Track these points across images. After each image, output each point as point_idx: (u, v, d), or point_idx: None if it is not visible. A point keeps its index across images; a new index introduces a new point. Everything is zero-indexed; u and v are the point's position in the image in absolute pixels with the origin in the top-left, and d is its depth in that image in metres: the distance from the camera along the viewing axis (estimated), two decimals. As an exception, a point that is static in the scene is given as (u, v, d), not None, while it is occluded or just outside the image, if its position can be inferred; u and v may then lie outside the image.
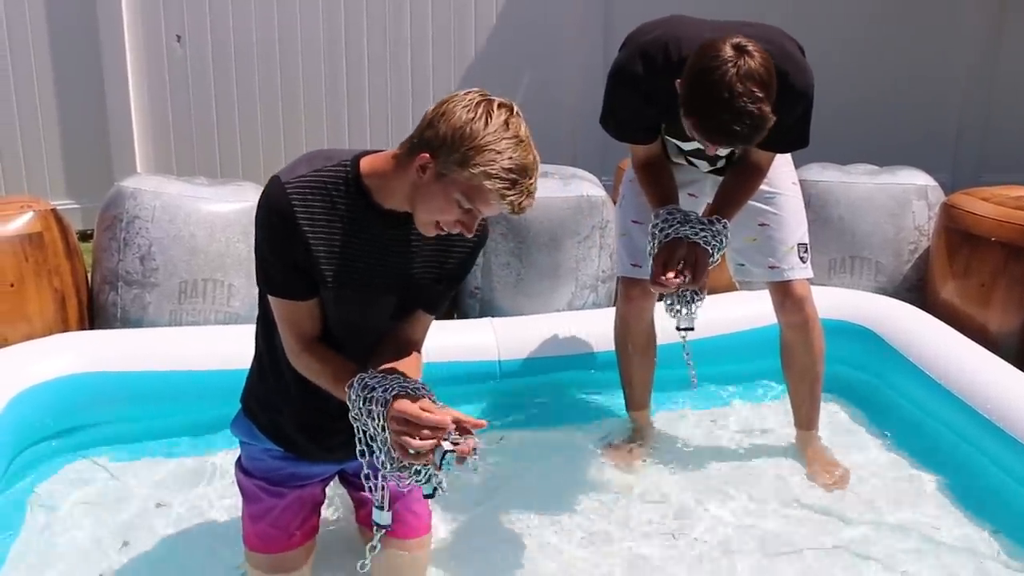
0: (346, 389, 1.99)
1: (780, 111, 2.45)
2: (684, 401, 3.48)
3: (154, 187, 3.71)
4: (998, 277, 3.70)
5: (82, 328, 3.63)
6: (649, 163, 2.90)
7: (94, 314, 3.71)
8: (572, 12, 5.58)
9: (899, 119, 5.88)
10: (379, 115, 5.53)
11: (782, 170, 3.02)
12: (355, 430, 2.03)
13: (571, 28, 5.60)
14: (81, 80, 5.15)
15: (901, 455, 3.22)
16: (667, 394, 3.39)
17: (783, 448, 3.23)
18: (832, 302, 3.54)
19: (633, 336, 3.16)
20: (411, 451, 1.88)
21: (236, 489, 2.42)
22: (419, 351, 2.19)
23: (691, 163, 2.97)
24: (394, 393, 1.93)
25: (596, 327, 3.49)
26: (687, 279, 2.68)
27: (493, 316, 3.83)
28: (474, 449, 1.89)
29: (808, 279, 3.04)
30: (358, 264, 2.06)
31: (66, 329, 3.55)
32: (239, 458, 2.40)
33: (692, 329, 2.86)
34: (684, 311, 2.84)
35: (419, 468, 1.96)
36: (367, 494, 2.13)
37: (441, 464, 1.88)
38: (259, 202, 2.03)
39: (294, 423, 2.25)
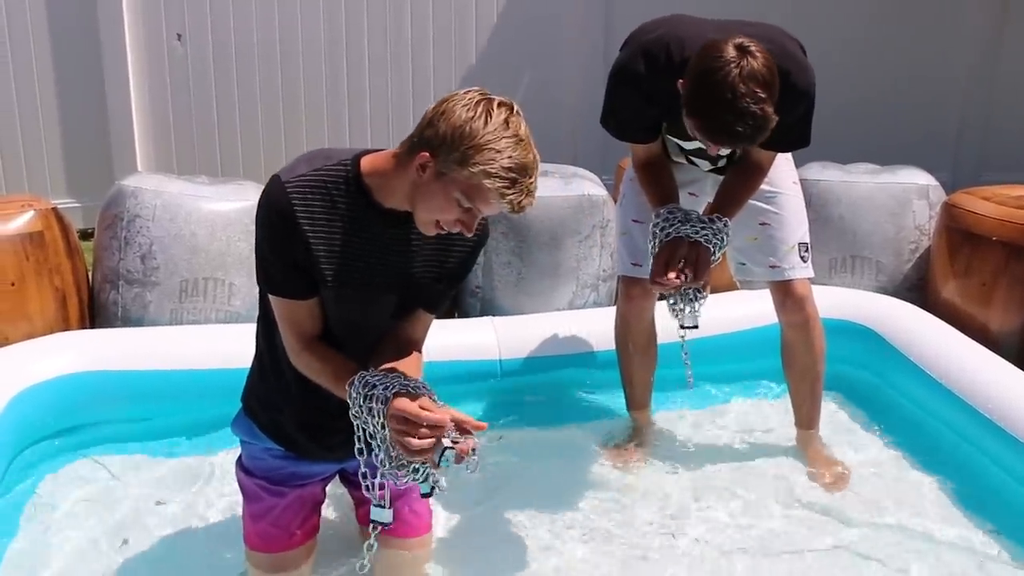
0: (347, 387, 1.99)
1: (782, 110, 2.45)
2: (685, 401, 3.47)
3: (155, 186, 3.71)
4: (999, 276, 3.70)
5: (83, 327, 3.63)
6: (649, 162, 2.90)
7: (95, 313, 3.71)
8: (573, 12, 5.58)
9: (900, 118, 5.88)
10: (380, 115, 5.53)
11: (783, 169, 3.02)
12: (355, 428, 2.03)
13: (572, 28, 5.60)
14: (82, 79, 5.16)
15: (902, 454, 3.22)
16: (667, 394, 3.39)
17: (784, 448, 3.22)
18: (833, 301, 3.53)
19: (634, 335, 3.16)
20: (411, 449, 1.89)
21: (237, 488, 2.42)
22: (420, 350, 2.19)
23: (692, 162, 2.97)
24: (394, 391, 1.93)
25: (597, 326, 3.49)
26: (688, 278, 2.69)
27: (494, 315, 3.83)
28: (473, 449, 1.89)
29: (809, 278, 3.04)
30: (358, 263, 2.06)
31: (67, 328, 3.55)
32: (240, 457, 2.40)
33: (696, 327, 2.86)
34: (687, 310, 2.84)
35: (417, 466, 1.96)
36: (368, 493, 2.13)
37: (440, 462, 1.88)
38: (259, 201, 2.03)
39: (295, 422, 2.25)
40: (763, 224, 3.01)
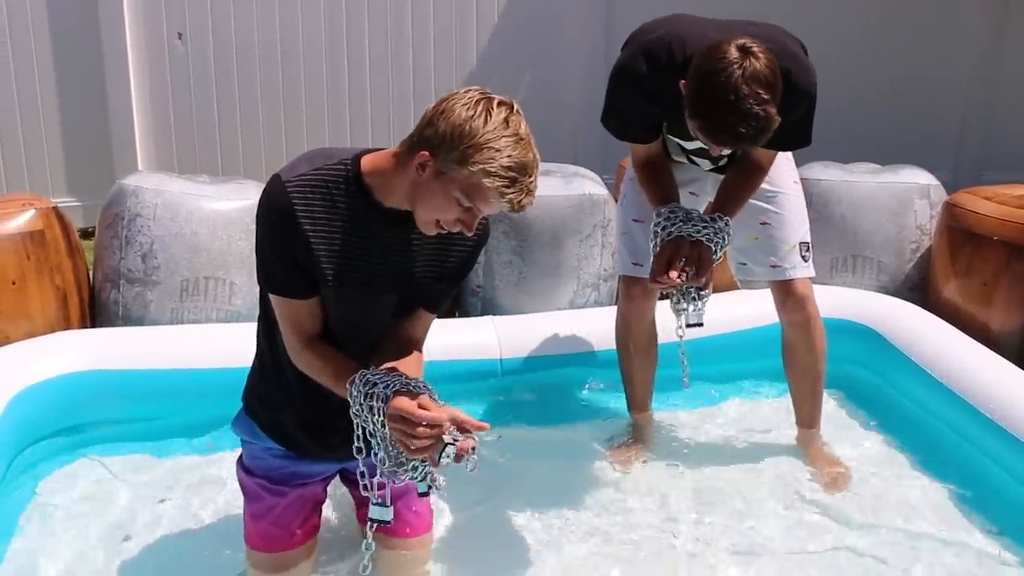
0: (347, 385, 1.99)
1: (783, 110, 2.45)
2: (685, 401, 3.47)
3: (156, 185, 3.72)
4: (1000, 276, 3.70)
5: (83, 326, 3.63)
6: (650, 162, 2.90)
7: (95, 312, 3.72)
8: (574, 11, 5.57)
9: (901, 118, 5.87)
10: (381, 115, 5.53)
11: (784, 169, 3.02)
12: (355, 427, 2.03)
13: (573, 27, 5.59)
14: (83, 78, 5.16)
15: (903, 454, 3.21)
16: (668, 394, 3.39)
17: (784, 447, 3.22)
18: (834, 301, 3.53)
19: (634, 335, 3.16)
20: (412, 446, 1.89)
21: (237, 487, 2.42)
22: (420, 350, 2.19)
23: (693, 162, 2.97)
24: (395, 389, 1.93)
25: (598, 326, 3.48)
26: (689, 277, 2.68)
27: (495, 314, 3.83)
28: (473, 448, 1.89)
29: (810, 278, 3.04)
30: (359, 263, 2.06)
31: (68, 327, 3.55)
32: (240, 456, 2.40)
33: (701, 325, 2.86)
34: (691, 308, 2.84)
35: (417, 464, 1.96)
36: (366, 492, 2.13)
37: (440, 459, 1.88)
38: (260, 200, 2.03)
39: (295, 421, 2.25)
40: (764, 224, 3.01)
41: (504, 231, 3.85)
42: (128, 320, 3.63)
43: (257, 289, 2.16)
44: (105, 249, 3.67)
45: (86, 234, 4.37)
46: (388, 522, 2.14)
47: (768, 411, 3.46)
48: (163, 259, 3.62)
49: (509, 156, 1.84)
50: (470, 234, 1.99)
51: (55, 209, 3.63)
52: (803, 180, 3.24)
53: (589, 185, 3.98)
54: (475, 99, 1.87)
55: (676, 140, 2.89)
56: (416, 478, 1.99)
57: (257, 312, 2.24)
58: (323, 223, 2.00)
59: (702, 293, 2.83)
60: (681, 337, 2.91)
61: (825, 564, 2.67)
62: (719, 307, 3.10)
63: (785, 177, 3.03)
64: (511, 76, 5.51)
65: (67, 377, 3.10)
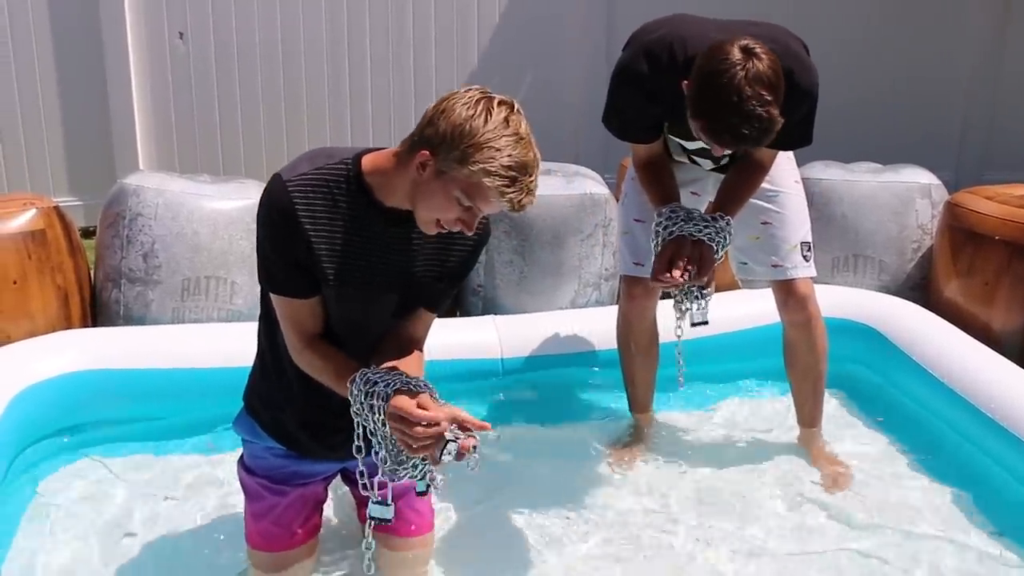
0: (348, 384, 1.99)
1: (785, 110, 2.45)
2: (686, 401, 3.47)
3: (157, 184, 3.72)
4: (1002, 276, 3.70)
5: (85, 325, 3.63)
6: (650, 162, 2.90)
7: (97, 311, 3.72)
8: (575, 11, 5.57)
9: (903, 118, 5.87)
10: (382, 115, 5.53)
11: (785, 168, 3.02)
12: (355, 425, 2.03)
13: (574, 27, 5.59)
14: (84, 78, 5.16)
15: (904, 454, 3.21)
16: (669, 393, 3.38)
17: (786, 446, 3.22)
18: (835, 300, 3.53)
19: (636, 335, 3.16)
20: (412, 446, 1.89)
21: (238, 487, 2.42)
22: (421, 349, 2.19)
23: (694, 161, 2.97)
24: (395, 388, 1.93)
25: (599, 325, 3.48)
26: (691, 276, 2.68)
27: (496, 314, 3.83)
28: (473, 448, 1.89)
29: (811, 277, 3.03)
30: (359, 262, 2.06)
31: (69, 326, 3.55)
32: (241, 456, 2.40)
33: (707, 323, 2.85)
34: (694, 307, 2.84)
35: (417, 462, 1.96)
36: (365, 491, 2.13)
37: (441, 458, 1.88)
38: (261, 200, 2.03)
39: (296, 421, 2.25)
40: (765, 223, 3.00)
41: (505, 230, 3.85)
42: (129, 319, 3.63)
43: (258, 288, 2.16)
44: (106, 248, 3.68)
45: (87, 233, 4.37)
46: (389, 520, 2.15)
47: (769, 411, 3.46)
48: (164, 258, 3.62)
49: (509, 155, 1.84)
50: (470, 233, 1.98)
51: (56, 208, 3.63)
52: (804, 179, 3.24)
53: (590, 184, 3.98)
54: (475, 98, 1.87)
55: (677, 140, 2.89)
56: (416, 476, 1.99)
57: (258, 312, 2.24)
58: (324, 222, 2.00)
59: (704, 292, 2.83)
60: (679, 337, 2.91)
61: (826, 564, 2.67)
62: (720, 307, 3.10)
63: (786, 176, 3.03)
64: (512, 76, 5.51)
65: (68, 376, 3.10)
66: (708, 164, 2.96)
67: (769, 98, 2.38)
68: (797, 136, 2.75)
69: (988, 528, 2.80)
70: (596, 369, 3.52)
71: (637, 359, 3.19)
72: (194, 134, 5.39)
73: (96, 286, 3.73)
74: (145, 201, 3.65)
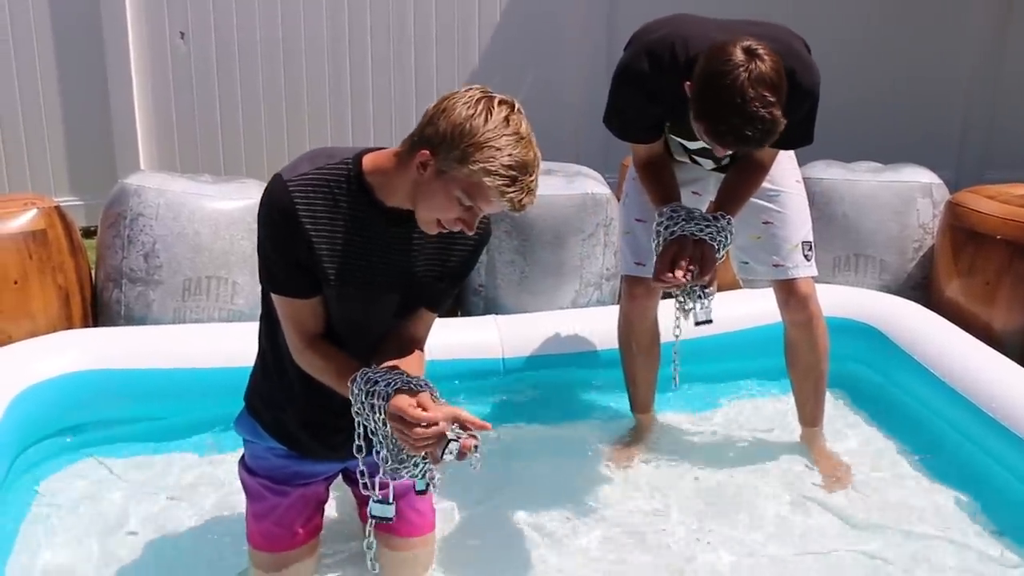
0: (349, 383, 1.99)
1: (787, 109, 2.44)
2: (687, 400, 3.47)
3: (158, 184, 3.72)
4: (1003, 275, 3.70)
5: (86, 325, 3.63)
6: (651, 162, 2.90)
7: (98, 311, 3.72)
8: (576, 11, 5.57)
9: (904, 117, 5.87)
10: (383, 115, 5.53)
11: (786, 168, 3.02)
12: (356, 425, 2.03)
13: (575, 27, 5.59)
14: (85, 78, 5.16)
15: (905, 453, 3.21)
16: (670, 394, 3.38)
17: (787, 446, 3.22)
18: (836, 300, 3.53)
19: (637, 335, 3.16)
20: (412, 446, 1.89)
21: (239, 487, 2.42)
22: (422, 349, 2.19)
23: (695, 161, 2.97)
24: (396, 387, 1.93)
25: (600, 325, 3.48)
26: (693, 275, 2.68)
27: (497, 314, 3.83)
28: (475, 447, 1.89)
29: (812, 277, 3.03)
30: (360, 262, 2.06)
31: (70, 326, 3.55)
32: (243, 456, 2.40)
33: (711, 322, 2.84)
34: (697, 307, 2.84)
35: (418, 461, 1.97)
36: (365, 491, 2.13)
37: (442, 457, 1.88)
38: (261, 200, 2.03)
39: (298, 421, 2.25)
40: (766, 223, 3.00)
41: (506, 230, 3.85)
42: (130, 319, 3.63)
43: (259, 289, 2.16)
44: (107, 248, 3.68)
45: (88, 233, 4.37)
46: (390, 519, 2.15)
47: (770, 411, 3.46)
48: (165, 258, 3.62)
49: (510, 155, 1.84)
50: (471, 233, 1.98)
51: (57, 208, 3.63)
52: (805, 179, 3.24)
53: (591, 184, 3.98)
54: (476, 98, 1.87)
55: (678, 140, 2.89)
56: (417, 475, 2.00)
57: (259, 312, 2.24)
58: (325, 222, 2.00)
59: (707, 291, 2.83)
60: (677, 337, 2.91)
61: (827, 563, 2.67)
62: (721, 306, 3.09)
63: (787, 176, 3.03)
64: (513, 75, 5.51)
65: (69, 377, 3.10)
66: (709, 164, 2.96)
67: (772, 99, 2.38)
68: (798, 135, 2.75)
69: (989, 528, 2.80)
70: (597, 369, 3.52)
71: (638, 359, 3.19)
72: (195, 133, 5.39)
73: (97, 286, 3.73)
74: (146, 201, 3.65)
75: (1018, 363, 3.24)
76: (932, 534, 2.77)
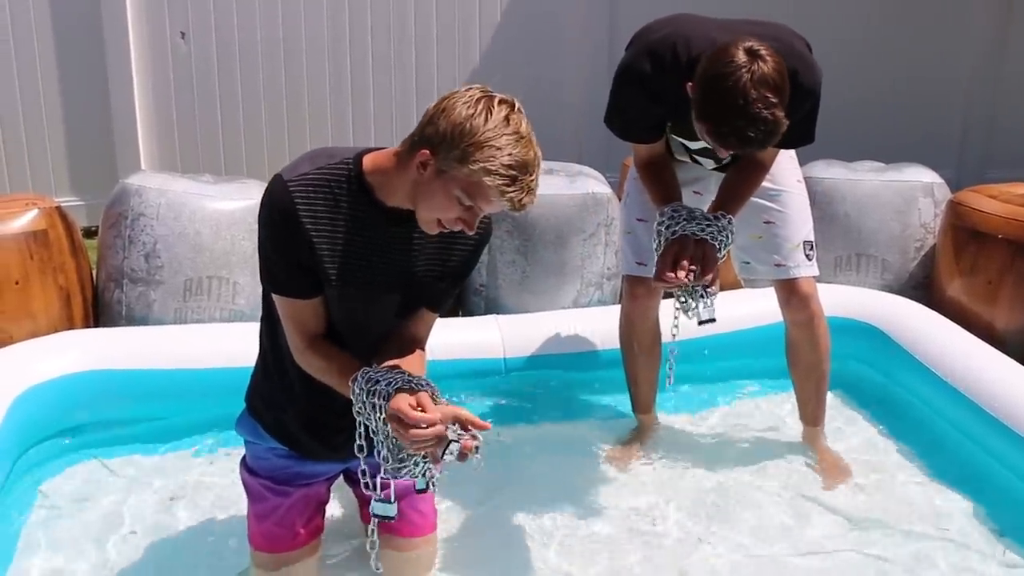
0: (350, 383, 1.99)
1: (789, 109, 2.44)
2: (688, 400, 3.47)
3: (159, 184, 3.72)
4: (1005, 274, 3.70)
5: (87, 326, 3.64)
6: (652, 162, 2.90)
7: (99, 312, 3.72)
8: (577, 10, 5.57)
9: (905, 117, 5.87)
10: (383, 114, 5.53)
11: (787, 167, 3.01)
12: (357, 425, 2.03)
13: (576, 26, 5.59)
14: (85, 77, 5.16)
15: (907, 453, 3.21)
16: (671, 393, 3.38)
17: (788, 445, 3.22)
18: (838, 299, 3.53)
19: (638, 335, 3.15)
20: (412, 446, 1.89)
21: (241, 488, 2.42)
22: (423, 349, 2.19)
23: (696, 161, 2.97)
24: (396, 386, 1.93)
25: (601, 325, 3.48)
26: (695, 275, 2.68)
27: (498, 313, 3.83)
28: (476, 447, 1.89)
29: (814, 276, 3.03)
30: (361, 262, 2.05)
31: (71, 327, 3.55)
32: (244, 457, 2.39)
33: (715, 321, 2.84)
34: (700, 306, 2.83)
35: (418, 460, 1.96)
36: (367, 491, 2.13)
37: (443, 457, 1.88)
38: (262, 200, 2.02)
39: (299, 421, 2.25)
40: (768, 222, 3.00)
41: (508, 230, 3.85)
42: (131, 320, 3.63)
43: (260, 289, 2.16)
44: (108, 249, 3.68)
45: (89, 233, 4.38)
46: (392, 518, 2.15)
47: (772, 410, 3.46)
48: (166, 259, 3.62)
49: (510, 154, 1.84)
50: (471, 233, 1.98)
51: (58, 208, 3.63)
52: (807, 178, 3.24)
53: (593, 184, 3.98)
54: (476, 97, 1.87)
55: (680, 140, 2.88)
56: (416, 475, 1.99)
57: (260, 312, 2.24)
58: (325, 222, 2.00)
59: (709, 290, 2.82)
60: (674, 336, 2.90)
61: (828, 563, 2.66)
62: (722, 306, 3.09)
63: (789, 176, 3.03)
64: (514, 74, 5.50)
65: (70, 377, 3.10)
66: (710, 163, 2.96)
67: (774, 100, 2.38)
68: (799, 134, 2.74)
69: (991, 527, 2.80)
70: (598, 369, 3.51)
71: (640, 359, 3.19)
72: (196, 133, 5.39)
73: (98, 286, 3.73)
74: (147, 201, 3.65)
75: (1020, 362, 3.24)
76: (933, 534, 2.77)
